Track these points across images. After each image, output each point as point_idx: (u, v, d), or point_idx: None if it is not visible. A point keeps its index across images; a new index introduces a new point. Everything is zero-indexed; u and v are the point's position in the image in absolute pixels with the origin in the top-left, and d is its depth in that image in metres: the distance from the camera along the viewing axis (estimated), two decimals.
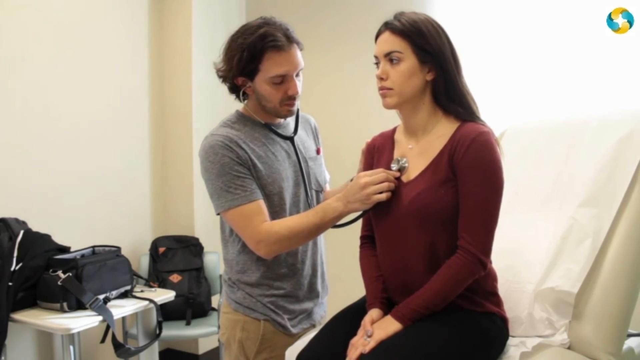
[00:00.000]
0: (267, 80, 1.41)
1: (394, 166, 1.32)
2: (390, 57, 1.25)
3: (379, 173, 1.30)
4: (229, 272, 1.55)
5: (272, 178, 1.47)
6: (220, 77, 1.49)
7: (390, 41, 1.25)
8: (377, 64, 1.29)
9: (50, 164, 2.49)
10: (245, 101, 1.53)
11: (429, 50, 1.23)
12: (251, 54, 1.39)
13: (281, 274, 1.51)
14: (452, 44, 1.27)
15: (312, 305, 1.59)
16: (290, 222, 1.42)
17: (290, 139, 1.54)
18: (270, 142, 1.51)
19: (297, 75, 1.44)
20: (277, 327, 1.50)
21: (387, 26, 1.27)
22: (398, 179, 1.31)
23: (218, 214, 1.48)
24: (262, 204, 1.43)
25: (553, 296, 1.35)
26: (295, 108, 1.49)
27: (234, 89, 1.50)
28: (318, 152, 1.64)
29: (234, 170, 1.41)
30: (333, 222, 1.40)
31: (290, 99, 1.45)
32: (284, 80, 1.42)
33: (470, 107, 1.28)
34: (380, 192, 1.29)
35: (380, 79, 1.27)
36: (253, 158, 1.44)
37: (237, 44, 1.41)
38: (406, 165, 1.31)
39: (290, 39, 1.40)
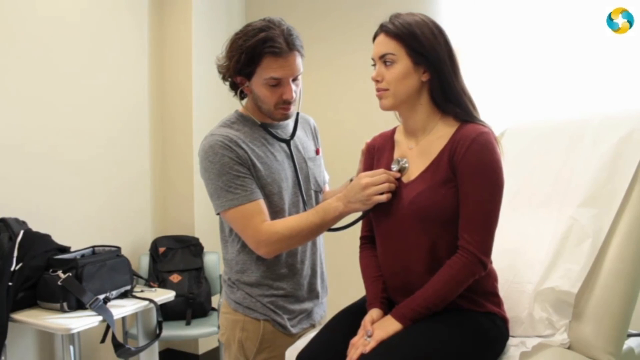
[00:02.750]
0: (263, 82, 1.42)
1: (395, 167, 1.32)
2: (384, 59, 1.26)
3: (380, 174, 1.30)
4: (229, 272, 1.55)
5: (272, 178, 1.47)
6: (220, 73, 1.49)
7: (384, 43, 1.26)
8: (374, 66, 1.30)
9: (50, 164, 2.49)
10: (244, 100, 1.53)
11: (422, 52, 1.23)
12: (249, 57, 1.39)
13: (281, 274, 1.51)
14: (450, 45, 1.27)
15: (312, 306, 1.59)
16: (290, 222, 1.42)
17: (287, 142, 1.54)
18: (270, 142, 1.51)
19: (295, 80, 1.44)
20: (277, 327, 1.50)
21: (382, 29, 1.28)
22: (398, 179, 1.31)
23: (218, 214, 1.48)
24: (262, 203, 1.43)
25: (553, 296, 1.35)
26: (290, 112, 1.49)
27: (233, 86, 1.51)
28: (317, 152, 1.64)
29: (234, 170, 1.41)
30: (334, 222, 1.40)
31: (285, 103, 1.45)
32: (279, 84, 1.42)
33: (467, 107, 1.27)
34: (381, 193, 1.29)
35: (376, 81, 1.28)
36: (253, 158, 1.44)
37: (237, 45, 1.41)
38: (406, 165, 1.31)
39: (290, 46, 1.40)
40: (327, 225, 1.40)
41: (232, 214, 1.42)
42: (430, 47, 1.24)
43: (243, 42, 1.39)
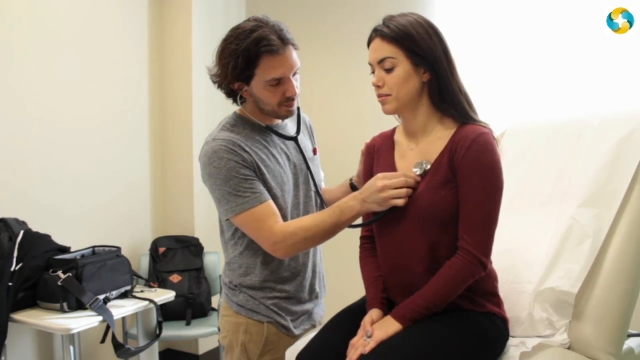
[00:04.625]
0: (264, 83, 1.39)
1: (417, 170, 1.28)
2: (383, 64, 1.25)
3: (397, 177, 1.26)
4: (230, 276, 1.53)
5: (276, 181, 1.45)
6: (215, 82, 1.47)
7: (381, 48, 1.25)
8: (372, 72, 1.29)
9: (50, 164, 2.49)
10: (243, 104, 1.50)
11: (420, 53, 1.23)
12: (246, 60, 1.36)
13: (284, 277, 1.50)
14: (445, 43, 1.26)
15: (313, 306, 1.58)
16: (305, 223, 1.40)
17: (294, 139, 1.52)
18: (271, 145, 1.49)
19: (294, 74, 1.42)
20: (280, 329, 1.50)
21: (376, 33, 1.26)
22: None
23: (227, 220, 1.45)
24: (272, 204, 1.41)
25: (553, 296, 1.35)
26: (294, 109, 1.47)
27: (231, 94, 1.48)
28: (314, 152, 1.62)
29: (241, 173, 1.39)
30: (349, 222, 1.37)
31: (289, 100, 1.43)
32: (280, 82, 1.40)
33: (463, 107, 1.26)
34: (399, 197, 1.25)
35: (377, 86, 1.27)
36: (257, 161, 1.42)
37: (230, 50, 1.37)
38: (428, 168, 1.28)
39: (284, 41, 1.37)
40: (343, 225, 1.38)
41: (243, 217, 1.39)
42: (426, 47, 1.23)
43: (236, 46, 1.36)
